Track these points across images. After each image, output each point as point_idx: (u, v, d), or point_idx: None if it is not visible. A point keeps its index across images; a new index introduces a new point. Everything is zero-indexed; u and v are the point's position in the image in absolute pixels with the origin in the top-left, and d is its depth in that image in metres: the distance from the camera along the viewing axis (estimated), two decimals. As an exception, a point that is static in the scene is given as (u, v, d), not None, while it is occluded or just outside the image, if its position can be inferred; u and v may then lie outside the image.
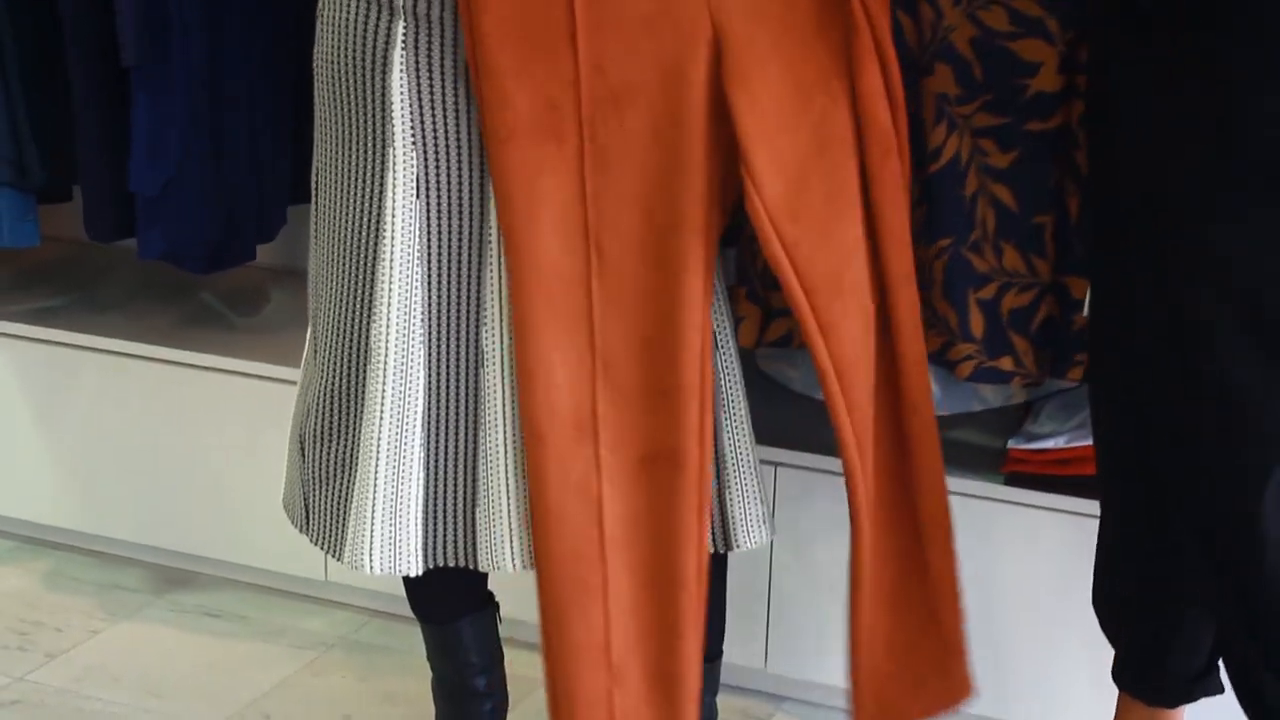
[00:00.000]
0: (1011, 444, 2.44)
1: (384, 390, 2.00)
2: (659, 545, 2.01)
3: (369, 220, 2.00)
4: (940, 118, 2.20)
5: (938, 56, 2.12)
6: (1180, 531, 1.91)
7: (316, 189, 2.08)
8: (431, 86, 1.94)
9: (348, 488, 2.08)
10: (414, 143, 1.95)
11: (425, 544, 2.06)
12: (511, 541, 2.04)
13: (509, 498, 2.03)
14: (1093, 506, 2.11)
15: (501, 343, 2.01)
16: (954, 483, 2.15)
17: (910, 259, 2.00)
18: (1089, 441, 2.15)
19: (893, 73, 1.95)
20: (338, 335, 2.06)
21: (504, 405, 2.01)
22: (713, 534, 2.08)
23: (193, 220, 2.71)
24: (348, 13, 1.96)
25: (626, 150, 1.93)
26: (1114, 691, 2.13)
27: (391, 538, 2.03)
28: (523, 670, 2.37)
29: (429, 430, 2.04)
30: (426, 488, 2.05)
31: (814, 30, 1.93)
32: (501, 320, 2.00)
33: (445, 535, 2.07)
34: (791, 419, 2.51)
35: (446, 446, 2.05)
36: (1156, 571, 1.99)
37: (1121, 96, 1.84)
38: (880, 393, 2.04)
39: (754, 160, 1.94)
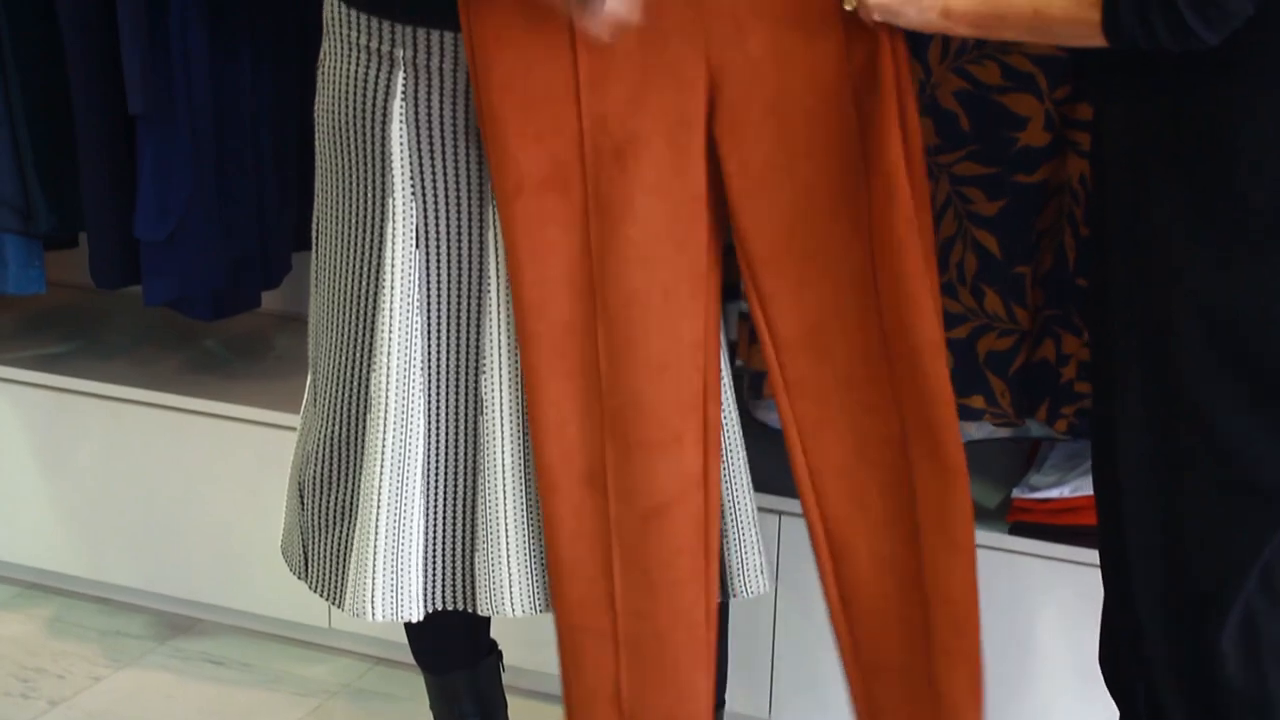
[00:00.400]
0: (1015, 494, 2.43)
1: (384, 438, 2.00)
2: (669, 592, 2.01)
3: (369, 269, 2.00)
4: None
5: (920, 111, 2.13)
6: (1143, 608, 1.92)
7: (317, 238, 2.09)
8: (431, 138, 1.95)
9: (348, 535, 2.08)
10: (414, 193, 1.96)
11: (425, 588, 2.06)
12: (511, 586, 2.03)
13: (508, 543, 2.03)
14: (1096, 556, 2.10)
15: (500, 390, 2.01)
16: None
17: (939, 327, 1.96)
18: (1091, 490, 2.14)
19: (914, 143, 1.93)
20: (338, 383, 2.06)
21: (503, 452, 2.01)
22: None
23: (198, 267, 2.72)
24: (348, 64, 1.97)
25: (628, 201, 1.93)
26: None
27: (393, 584, 2.03)
28: (526, 718, 2.36)
29: (429, 477, 2.04)
30: (426, 534, 2.05)
31: (816, 99, 1.93)
32: (500, 368, 2.00)
33: (445, 579, 2.07)
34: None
35: (446, 493, 2.05)
36: (1125, 642, 1.98)
37: (1111, 139, 1.86)
38: (900, 489, 2.01)
39: (740, 216, 1.95)
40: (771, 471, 2.27)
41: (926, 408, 1.95)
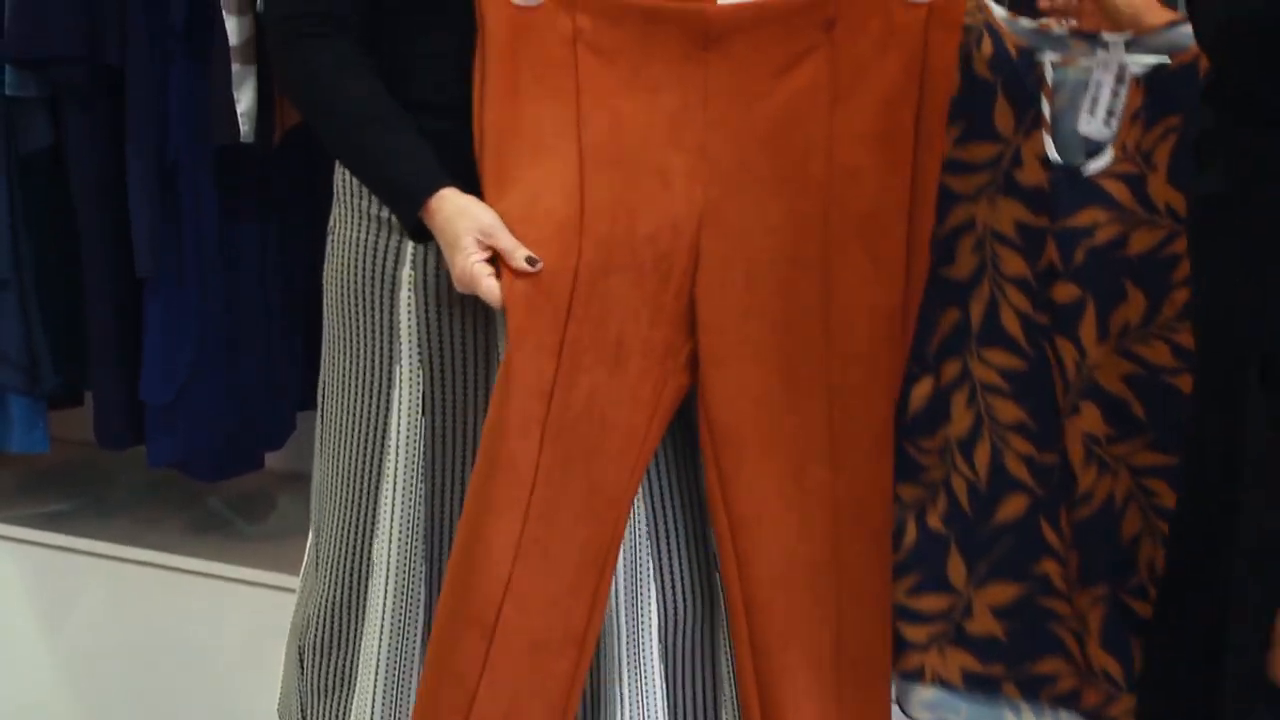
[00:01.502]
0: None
1: (385, 605, 2.00)
2: None
3: (374, 435, 2.00)
4: (1090, 459, 1.96)
5: (1083, 395, 2.05)
6: None
7: (323, 401, 2.10)
8: (439, 306, 1.96)
9: (347, 702, 2.07)
10: (421, 361, 1.97)
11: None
12: None
13: None
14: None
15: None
16: None
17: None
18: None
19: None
20: (341, 548, 2.06)
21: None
22: None
23: (202, 429, 2.72)
24: (358, 232, 1.99)
25: (599, 334, 1.92)
26: None
27: (391, 752, 2.02)
28: None
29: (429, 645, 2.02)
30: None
31: (793, 270, 1.95)
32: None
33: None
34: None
35: (449, 662, 2.04)
36: None
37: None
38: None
39: (708, 384, 1.96)
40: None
41: (866, 610, 2.00)
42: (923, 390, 2.01)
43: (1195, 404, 1.73)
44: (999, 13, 1.93)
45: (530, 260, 1.84)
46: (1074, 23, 1.94)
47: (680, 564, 2.03)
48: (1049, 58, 1.89)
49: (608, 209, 1.90)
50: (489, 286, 1.84)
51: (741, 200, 1.93)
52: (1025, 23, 1.93)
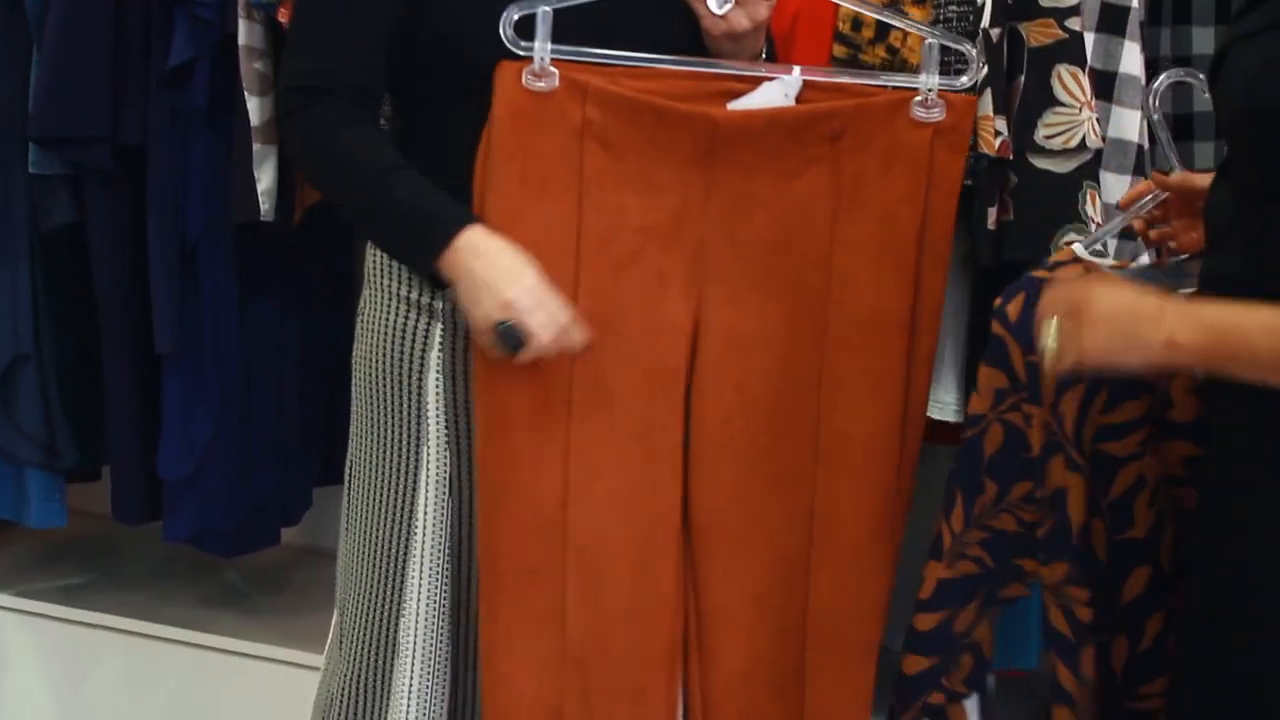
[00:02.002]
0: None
1: (410, 685, 2.01)
2: None
3: (401, 515, 2.02)
4: None
5: None
6: None
7: (350, 480, 2.11)
8: (466, 389, 1.98)
9: (372, 780, 2.07)
10: (448, 442, 1.98)
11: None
12: None
13: None
14: None
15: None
16: None
17: (879, 629, 2.03)
18: None
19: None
20: (366, 627, 2.06)
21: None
22: None
23: (219, 506, 2.73)
24: (388, 314, 2.00)
25: (609, 448, 1.95)
26: None
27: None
28: None
29: (454, 724, 2.03)
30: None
31: (785, 382, 1.98)
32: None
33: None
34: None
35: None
36: None
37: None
38: None
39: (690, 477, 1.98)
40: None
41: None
42: (1120, 649, 1.93)
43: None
44: (1107, 264, 1.91)
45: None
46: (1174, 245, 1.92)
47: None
48: (1182, 290, 1.76)
49: (602, 310, 1.91)
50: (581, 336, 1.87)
51: (739, 305, 1.95)
52: (1143, 260, 1.92)
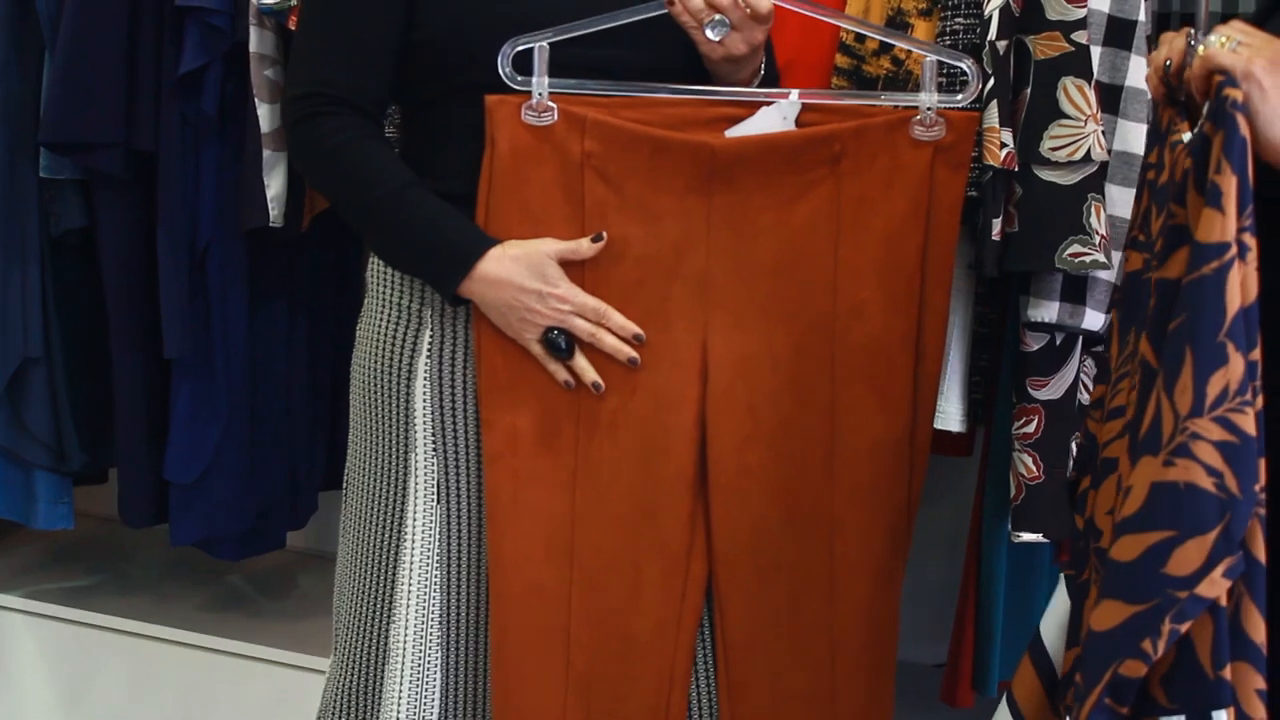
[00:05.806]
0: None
1: (400, 693, 2.01)
2: None
3: (391, 523, 2.03)
4: None
5: None
6: None
7: (347, 488, 2.12)
8: (454, 395, 1.99)
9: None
10: (435, 449, 1.99)
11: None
12: None
13: None
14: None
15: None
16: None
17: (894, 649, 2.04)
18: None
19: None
20: (357, 634, 2.08)
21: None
22: None
23: (225, 509, 2.74)
24: (381, 320, 2.02)
25: (616, 472, 1.96)
26: None
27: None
28: None
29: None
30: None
31: (796, 406, 1.97)
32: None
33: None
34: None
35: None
36: None
37: None
38: None
39: (711, 510, 1.98)
40: None
41: None
42: None
43: None
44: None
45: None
46: None
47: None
48: None
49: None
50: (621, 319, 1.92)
51: (745, 331, 1.95)
52: None
